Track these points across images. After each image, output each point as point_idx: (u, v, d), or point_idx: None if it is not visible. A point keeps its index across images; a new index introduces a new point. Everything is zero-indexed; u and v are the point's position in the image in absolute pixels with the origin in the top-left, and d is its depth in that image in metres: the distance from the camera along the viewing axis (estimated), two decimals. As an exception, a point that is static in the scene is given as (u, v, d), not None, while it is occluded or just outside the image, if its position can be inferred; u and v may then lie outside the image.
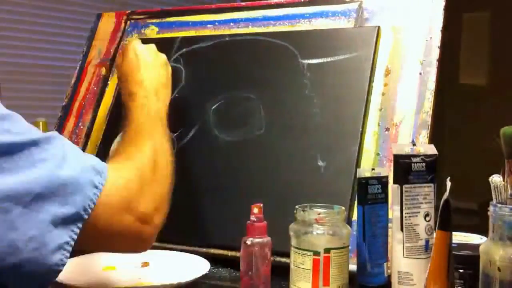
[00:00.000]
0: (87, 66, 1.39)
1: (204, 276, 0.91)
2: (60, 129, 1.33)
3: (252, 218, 0.83)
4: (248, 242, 0.82)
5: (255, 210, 0.83)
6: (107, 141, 1.25)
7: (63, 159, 0.67)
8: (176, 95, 1.23)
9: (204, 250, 1.04)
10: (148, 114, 0.93)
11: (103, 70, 1.36)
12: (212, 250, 1.04)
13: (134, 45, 1.06)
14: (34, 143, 0.65)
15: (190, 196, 1.11)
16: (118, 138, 0.93)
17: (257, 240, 0.82)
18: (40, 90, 2.45)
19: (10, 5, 2.32)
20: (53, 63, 2.47)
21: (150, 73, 1.02)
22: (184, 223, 1.08)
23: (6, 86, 2.09)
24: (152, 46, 1.08)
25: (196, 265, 0.95)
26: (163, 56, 1.08)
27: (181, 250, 1.04)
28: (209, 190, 1.10)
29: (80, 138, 1.30)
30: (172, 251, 1.03)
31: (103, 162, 0.74)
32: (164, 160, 0.85)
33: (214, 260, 1.02)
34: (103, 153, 1.23)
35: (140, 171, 0.78)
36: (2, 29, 2.30)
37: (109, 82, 1.34)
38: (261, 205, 0.83)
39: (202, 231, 1.07)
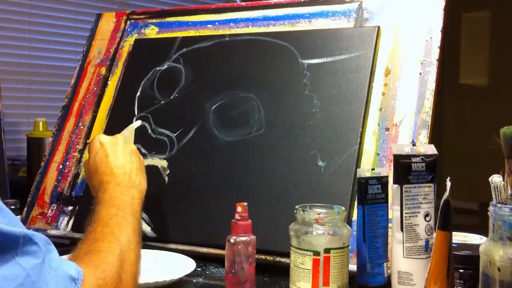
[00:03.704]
0: (87, 66, 1.39)
1: (200, 275, 0.91)
2: (60, 129, 1.33)
3: (236, 216, 0.83)
4: (232, 241, 0.82)
5: (239, 209, 0.83)
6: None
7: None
8: (176, 95, 1.23)
9: (204, 250, 1.04)
10: (118, 210, 0.84)
11: (103, 70, 1.36)
12: (213, 250, 1.04)
13: (99, 137, 0.99)
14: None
15: (190, 196, 1.11)
16: (84, 235, 0.78)
17: (240, 238, 0.82)
18: (40, 90, 2.45)
19: (10, 5, 2.32)
20: (53, 63, 2.47)
21: (121, 159, 0.94)
22: (184, 223, 1.08)
23: (6, 86, 2.09)
24: (118, 136, 1.00)
25: (182, 265, 0.95)
26: (132, 145, 1.01)
27: (181, 250, 1.04)
28: (208, 190, 1.10)
29: (80, 138, 1.30)
30: (159, 251, 1.03)
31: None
32: (129, 272, 0.75)
33: (214, 260, 1.02)
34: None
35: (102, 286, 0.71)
36: (2, 29, 2.30)
37: (109, 82, 1.34)
38: (246, 203, 0.83)
39: (202, 231, 1.07)
